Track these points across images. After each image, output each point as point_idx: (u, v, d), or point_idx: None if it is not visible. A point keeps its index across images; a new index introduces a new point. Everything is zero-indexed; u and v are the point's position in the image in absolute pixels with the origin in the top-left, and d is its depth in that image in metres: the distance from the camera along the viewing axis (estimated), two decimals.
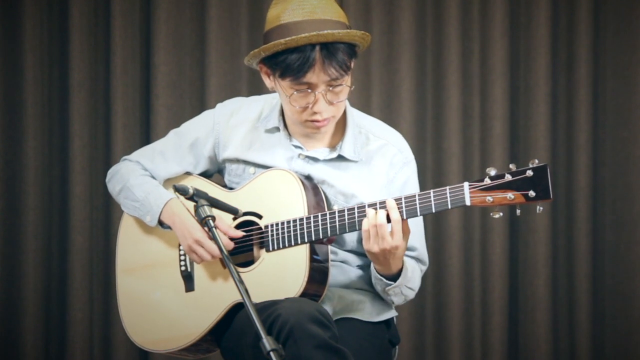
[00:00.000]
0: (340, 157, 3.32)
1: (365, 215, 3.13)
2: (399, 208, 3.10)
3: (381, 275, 3.22)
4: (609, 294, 5.23)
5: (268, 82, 3.27)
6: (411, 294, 3.29)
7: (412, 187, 3.34)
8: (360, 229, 3.15)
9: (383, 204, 3.11)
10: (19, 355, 4.89)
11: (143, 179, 3.42)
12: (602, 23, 5.23)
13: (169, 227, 3.35)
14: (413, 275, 3.27)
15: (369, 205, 3.12)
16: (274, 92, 3.32)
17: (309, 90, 3.19)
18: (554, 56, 5.21)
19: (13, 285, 4.91)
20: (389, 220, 3.10)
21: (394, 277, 3.22)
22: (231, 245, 3.25)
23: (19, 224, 4.91)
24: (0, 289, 4.91)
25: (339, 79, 3.18)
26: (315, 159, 3.32)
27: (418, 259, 3.34)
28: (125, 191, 3.42)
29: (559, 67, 5.23)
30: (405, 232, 3.12)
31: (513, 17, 5.22)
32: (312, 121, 3.23)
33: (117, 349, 4.93)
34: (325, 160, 3.32)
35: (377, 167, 3.33)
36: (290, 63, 3.15)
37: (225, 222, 3.27)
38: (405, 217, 3.11)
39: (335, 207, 3.25)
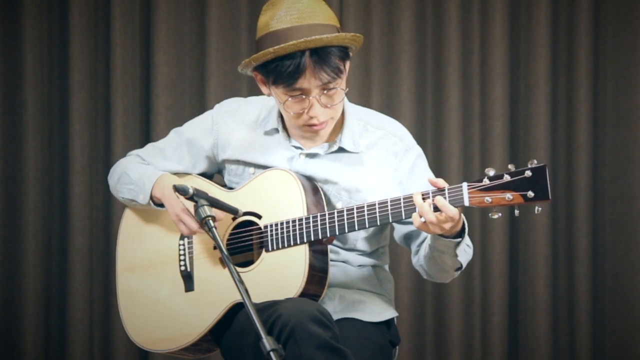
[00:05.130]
0: (341, 150, 3.32)
1: (364, 217, 3.14)
2: (397, 208, 3.10)
3: (447, 237, 3.13)
4: (609, 294, 5.23)
5: (264, 89, 3.27)
6: (471, 253, 3.24)
7: (421, 172, 3.32)
8: (359, 229, 3.15)
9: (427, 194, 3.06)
10: (19, 355, 4.89)
11: (140, 165, 3.44)
12: (602, 23, 5.23)
13: (161, 205, 3.35)
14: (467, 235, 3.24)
15: (404, 198, 3.09)
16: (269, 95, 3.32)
17: (303, 96, 3.19)
18: (554, 56, 5.21)
19: (13, 285, 4.91)
20: (436, 209, 3.05)
21: (459, 234, 3.15)
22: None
23: (19, 224, 4.91)
24: (0, 289, 4.91)
25: (332, 83, 3.18)
26: (315, 154, 3.32)
27: None
28: (123, 177, 3.43)
29: (559, 67, 5.23)
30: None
31: (513, 17, 5.22)
32: (310, 125, 3.23)
33: (117, 349, 4.94)
34: (326, 154, 3.32)
35: (378, 159, 3.32)
36: (281, 70, 3.14)
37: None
38: (404, 218, 3.11)
39: (339, 205, 3.26)
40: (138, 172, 3.40)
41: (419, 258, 3.28)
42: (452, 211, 3.04)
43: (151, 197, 3.36)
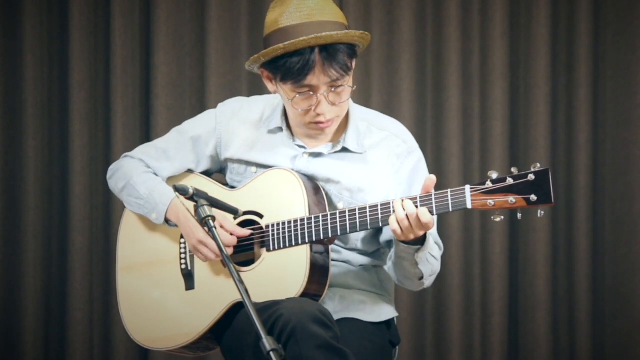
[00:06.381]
0: (345, 150, 3.32)
1: (365, 217, 3.14)
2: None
3: (407, 243, 3.15)
4: (609, 294, 5.23)
5: (270, 86, 3.27)
6: (436, 265, 3.24)
7: (420, 175, 3.31)
8: (361, 230, 3.15)
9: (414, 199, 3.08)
10: (19, 355, 4.89)
11: (146, 176, 3.42)
12: (602, 23, 5.23)
13: (175, 225, 3.35)
14: (434, 245, 3.23)
15: (382, 205, 3.10)
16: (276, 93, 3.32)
17: (311, 93, 3.19)
18: (554, 56, 5.21)
19: (13, 285, 4.91)
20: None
21: (420, 241, 3.16)
22: (234, 242, 3.25)
23: (19, 224, 4.91)
24: (0, 289, 4.91)
25: (340, 80, 3.19)
26: (319, 154, 3.32)
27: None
28: (128, 188, 3.42)
29: (559, 67, 5.23)
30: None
31: (513, 17, 5.22)
32: (316, 123, 3.24)
33: (117, 349, 4.94)
34: (329, 154, 3.32)
35: (381, 159, 3.32)
36: (290, 67, 3.15)
37: (231, 222, 3.28)
38: None
39: (341, 205, 3.26)
40: (147, 188, 3.39)
41: (390, 263, 3.29)
42: (426, 218, 3.03)
43: (166, 220, 3.37)
